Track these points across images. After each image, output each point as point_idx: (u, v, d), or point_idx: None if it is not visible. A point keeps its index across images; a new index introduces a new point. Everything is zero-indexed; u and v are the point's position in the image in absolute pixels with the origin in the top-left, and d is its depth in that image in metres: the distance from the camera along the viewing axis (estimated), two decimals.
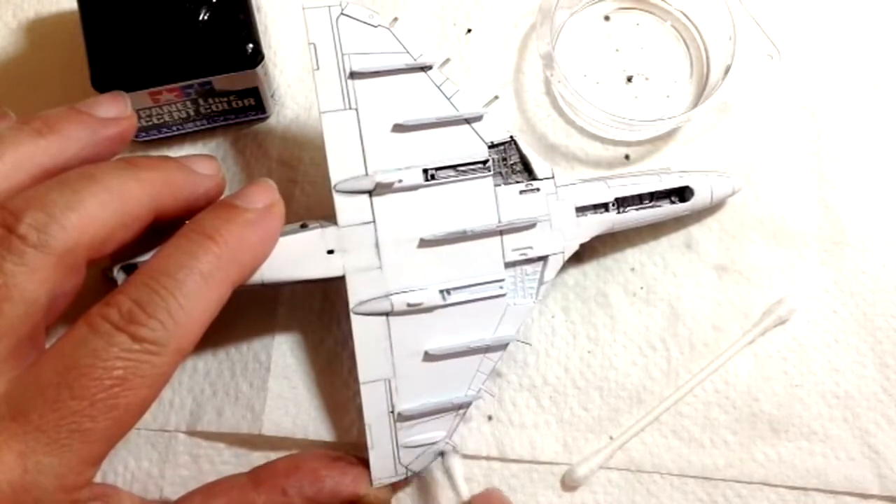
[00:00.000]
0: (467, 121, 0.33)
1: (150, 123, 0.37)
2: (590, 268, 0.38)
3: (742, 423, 0.36)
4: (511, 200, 0.33)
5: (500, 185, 0.33)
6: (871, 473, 0.35)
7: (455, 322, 0.33)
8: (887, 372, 0.36)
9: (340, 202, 0.32)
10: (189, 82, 0.34)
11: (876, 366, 0.36)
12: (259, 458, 0.35)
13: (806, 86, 0.40)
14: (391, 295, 0.32)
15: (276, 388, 0.35)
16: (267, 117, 0.39)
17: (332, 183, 0.32)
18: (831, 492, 0.35)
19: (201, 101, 0.36)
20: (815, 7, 0.41)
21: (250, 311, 0.36)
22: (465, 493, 0.33)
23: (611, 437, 0.35)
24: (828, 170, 0.39)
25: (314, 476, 0.31)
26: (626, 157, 0.39)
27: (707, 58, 0.40)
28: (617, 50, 0.41)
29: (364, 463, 0.33)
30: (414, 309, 0.32)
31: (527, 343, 0.36)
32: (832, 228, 0.38)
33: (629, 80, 0.40)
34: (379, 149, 0.32)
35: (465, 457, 0.35)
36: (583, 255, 0.37)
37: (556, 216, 0.34)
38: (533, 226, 0.33)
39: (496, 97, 0.34)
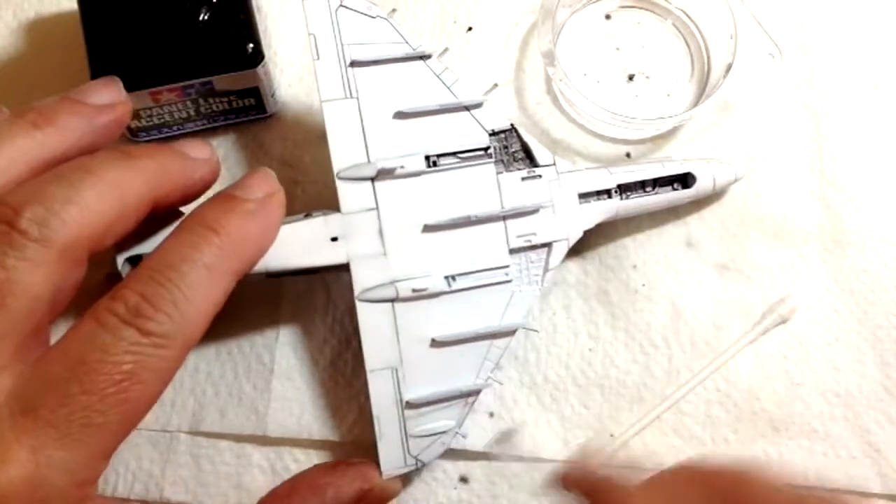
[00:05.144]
0: (467, 108, 0.33)
1: (151, 123, 0.37)
2: (591, 266, 0.38)
3: (743, 421, 0.36)
4: (513, 187, 0.33)
5: (501, 172, 0.33)
6: (872, 472, 0.35)
7: (461, 308, 0.33)
8: (888, 370, 0.36)
9: (343, 189, 0.32)
10: (189, 82, 0.34)
11: (877, 364, 0.36)
12: (260, 458, 0.35)
13: (807, 84, 0.40)
14: (396, 282, 0.32)
15: (280, 389, 0.35)
16: (267, 117, 0.39)
17: (335, 170, 0.32)
18: (832, 490, 0.35)
19: (202, 101, 0.36)
20: (816, 6, 0.41)
21: (253, 311, 0.36)
22: None
23: (612, 435, 0.35)
24: (829, 168, 0.39)
25: (314, 487, 0.31)
26: (628, 155, 0.39)
27: (708, 56, 0.40)
28: (618, 48, 0.41)
29: (364, 460, 0.33)
30: (419, 295, 0.32)
31: (534, 330, 0.36)
32: (833, 227, 0.38)
33: (630, 78, 0.40)
34: (381, 136, 0.32)
35: (466, 454, 0.35)
36: (584, 252, 0.37)
37: (559, 202, 0.34)
38: (536, 212, 0.33)
39: (495, 85, 0.34)
